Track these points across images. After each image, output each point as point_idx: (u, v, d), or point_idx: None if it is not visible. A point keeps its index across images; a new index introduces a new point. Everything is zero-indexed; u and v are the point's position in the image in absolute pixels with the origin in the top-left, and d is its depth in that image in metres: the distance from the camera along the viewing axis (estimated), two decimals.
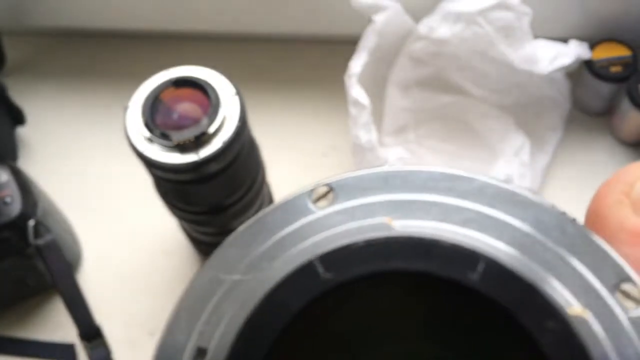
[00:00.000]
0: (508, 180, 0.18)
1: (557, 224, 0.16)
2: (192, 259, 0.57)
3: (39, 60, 0.69)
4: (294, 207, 0.17)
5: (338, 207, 0.17)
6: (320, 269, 0.16)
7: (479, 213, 0.16)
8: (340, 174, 0.18)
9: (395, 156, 0.54)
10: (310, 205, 0.17)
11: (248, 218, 0.47)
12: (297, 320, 0.16)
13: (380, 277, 0.16)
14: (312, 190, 0.17)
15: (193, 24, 0.65)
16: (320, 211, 0.17)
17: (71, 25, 0.67)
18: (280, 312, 0.16)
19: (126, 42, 0.67)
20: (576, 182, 0.56)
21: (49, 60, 0.69)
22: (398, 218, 0.17)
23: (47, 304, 0.55)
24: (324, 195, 0.17)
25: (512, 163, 0.54)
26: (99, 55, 0.68)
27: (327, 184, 0.17)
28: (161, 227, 0.57)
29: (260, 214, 0.17)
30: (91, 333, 0.49)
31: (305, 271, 0.16)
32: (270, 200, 0.53)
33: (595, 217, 0.18)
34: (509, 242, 0.16)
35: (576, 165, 0.57)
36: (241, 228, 0.17)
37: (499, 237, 0.16)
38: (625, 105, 0.54)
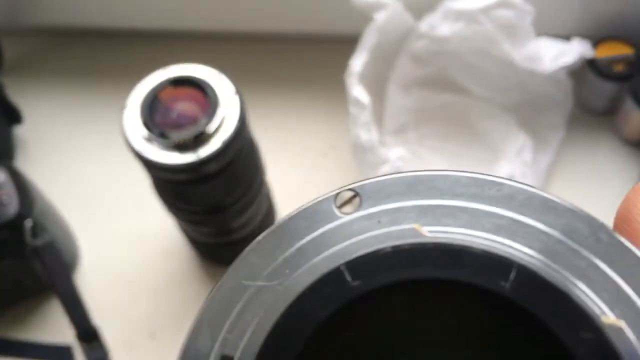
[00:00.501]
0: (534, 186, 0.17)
1: (589, 231, 0.16)
2: (191, 259, 0.56)
3: (36, 59, 0.68)
4: (318, 212, 0.17)
5: (364, 212, 0.16)
6: (348, 277, 0.16)
7: (509, 219, 0.16)
8: (365, 179, 0.17)
9: (396, 156, 0.53)
10: (335, 211, 0.17)
11: (247, 218, 0.47)
12: (323, 328, 0.15)
13: (410, 284, 0.16)
14: (336, 195, 0.17)
15: (192, 23, 0.65)
16: (345, 217, 0.16)
17: (69, 24, 0.67)
18: (307, 320, 0.15)
19: (125, 40, 0.67)
20: (579, 181, 0.56)
21: (47, 59, 0.68)
22: (426, 224, 0.16)
23: (45, 305, 0.55)
24: (349, 201, 0.17)
25: (514, 163, 0.54)
26: (97, 54, 0.68)
27: (351, 189, 0.17)
28: (160, 228, 0.56)
29: (283, 219, 0.17)
30: (89, 334, 0.49)
31: (332, 278, 0.16)
32: (269, 201, 0.52)
33: (624, 223, 0.17)
34: (540, 250, 0.16)
35: (579, 165, 0.56)
36: (264, 234, 0.17)
37: (530, 245, 0.16)
38: (629, 104, 0.54)
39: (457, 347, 0.19)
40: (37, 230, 0.48)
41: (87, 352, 0.49)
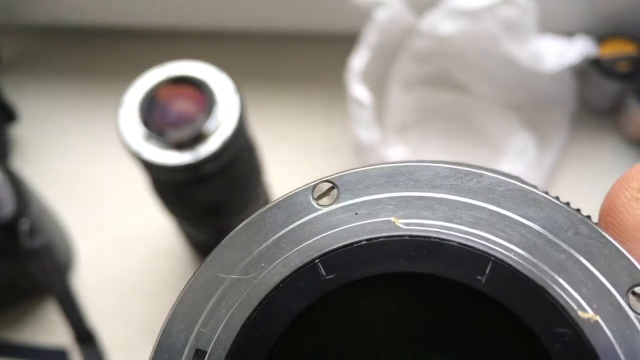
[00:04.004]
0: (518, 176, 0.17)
1: (570, 224, 0.16)
2: (189, 260, 0.56)
3: (33, 57, 0.68)
4: (295, 204, 0.16)
5: (341, 204, 0.16)
6: (322, 271, 0.16)
7: (488, 211, 0.16)
8: (343, 170, 0.17)
9: (397, 155, 0.53)
10: (313, 203, 0.16)
11: (245, 218, 0.47)
12: (297, 322, 0.16)
13: (384, 278, 0.16)
14: (313, 187, 0.16)
15: (190, 20, 0.64)
16: (322, 209, 0.16)
17: (66, 22, 0.66)
18: (281, 314, 0.15)
19: (122, 38, 0.66)
20: (583, 181, 0.55)
21: (43, 57, 0.68)
22: (403, 217, 0.16)
23: (41, 306, 0.54)
24: (326, 192, 0.17)
25: (516, 162, 0.53)
26: (94, 52, 0.67)
27: (329, 180, 0.17)
28: (158, 228, 0.56)
29: (260, 211, 0.17)
30: (85, 336, 0.48)
31: (307, 272, 0.16)
32: (268, 200, 0.52)
33: (608, 215, 0.17)
34: (519, 243, 0.15)
35: (583, 164, 0.56)
36: (240, 226, 0.17)
37: (508, 238, 0.16)
38: (633, 103, 0.53)
39: (432, 341, 0.19)
40: (33, 231, 0.47)
41: (84, 354, 0.48)
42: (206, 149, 0.38)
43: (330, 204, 0.16)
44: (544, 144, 0.55)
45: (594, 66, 0.55)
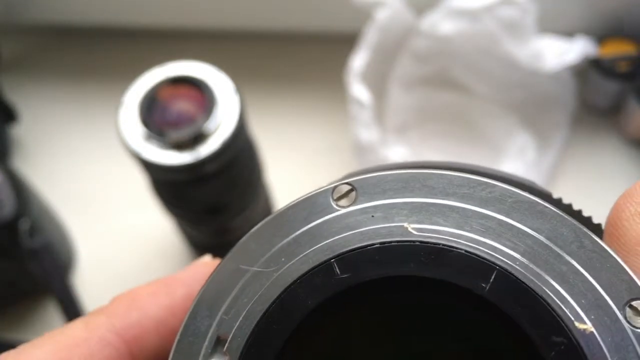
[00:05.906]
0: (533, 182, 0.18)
1: (574, 237, 0.16)
2: (189, 260, 0.56)
3: (33, 57, 0.68)
4: (316, 204, 0.17)
5: (358, 207, 0.17)
6: (337, 270, 0.17)
7: (497, 221, 0.17)
8: (362, 173, 0.18)
9: (397, 155, 0.53)
10: (332, 203, 0.17)
11: (246, 218, 0.47)
12: (312, 316, 0.16)
13: (394, 280, 0.16)
14: (334, 188, 0.17)
15: (190, 20, 0.64)
16: (341, 210, 0.17)
17: (66, 22, 0.66)
18: (297, 308, 0.16)
19: (122, 38, 0.66)
20: (583, 180, 0.55)
21: (43, 57, 0.68)
22: (417, 222, 0.17)
23: (41, 306, 0.54)
24: (346, 194, 0.17)
25: (516, 162, 0.53)
26: (94, 52, 0.67)
27: (348, 183, 0.17)
28: (158, 227, 0.56)
29: (282, 208, 0.18)
30: None
31: (323, 270, 0.17)
32: (269, 201, 0.52)
33: (613, 228, 0.17)
34: (524, 253, 0.16)
35: (582, 164, 0.56)
36: (263, 222, 0.17)
37: (514, 247, 0.16)
38: (632, 103, 0.53)
39: (436, 341, 0.20)
40: (33, 230, 0.47)
41: None
42: (206, 149, 0.38)
43: (348, 206, 0.17)
44: (543, 144, 0.55)
45: (594, 66, 0.55)
